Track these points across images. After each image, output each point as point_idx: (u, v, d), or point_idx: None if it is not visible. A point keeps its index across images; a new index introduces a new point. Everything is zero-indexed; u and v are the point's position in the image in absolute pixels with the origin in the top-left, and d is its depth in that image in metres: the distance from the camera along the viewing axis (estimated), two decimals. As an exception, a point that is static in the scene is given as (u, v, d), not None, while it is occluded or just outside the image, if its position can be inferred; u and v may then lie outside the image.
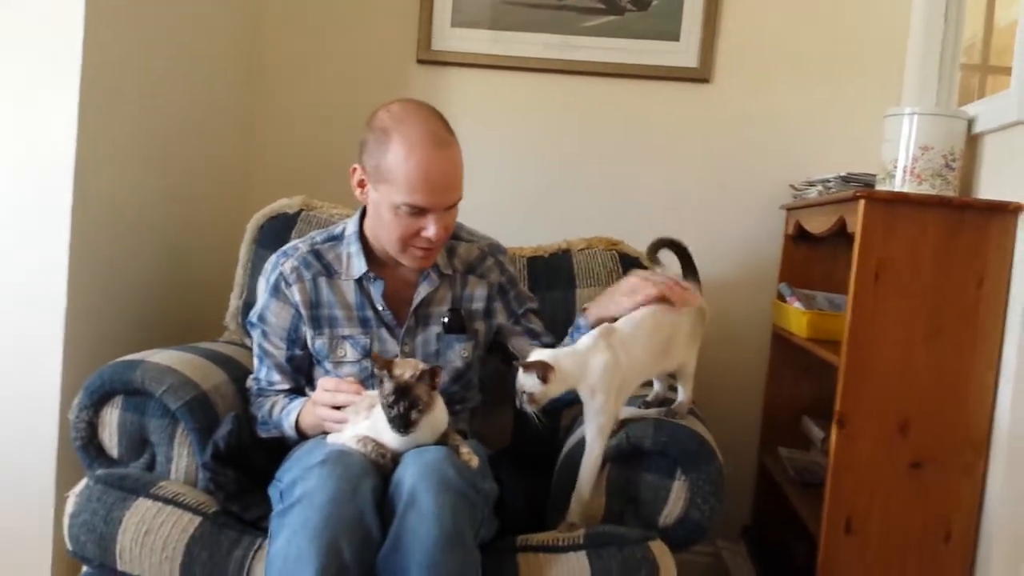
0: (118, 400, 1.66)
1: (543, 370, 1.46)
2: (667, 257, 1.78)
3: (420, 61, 2.56)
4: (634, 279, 1.65)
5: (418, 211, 1.58)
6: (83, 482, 1.58)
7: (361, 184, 1.66)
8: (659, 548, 1.50)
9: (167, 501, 1.53)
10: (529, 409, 1.48)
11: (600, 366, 1.50)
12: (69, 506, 1.55)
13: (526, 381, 1.47)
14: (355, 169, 1.66)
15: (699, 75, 2.48)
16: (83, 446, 1.67)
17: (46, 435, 1.88)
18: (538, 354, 1.50)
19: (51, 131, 1.85)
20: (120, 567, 1.50)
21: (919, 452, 1.75)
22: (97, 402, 1.66)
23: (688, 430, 1.61)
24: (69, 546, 1.55)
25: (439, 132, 1.59)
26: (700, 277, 1.78)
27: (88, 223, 1.91)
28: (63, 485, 1.84)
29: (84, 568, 1.58)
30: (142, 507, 1.51)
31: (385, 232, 1.65)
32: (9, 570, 1.92)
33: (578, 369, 1.50)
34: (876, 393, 1.74)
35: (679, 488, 1.57)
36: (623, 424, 1.60)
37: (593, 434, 1.53)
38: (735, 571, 2.31)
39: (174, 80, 2.24)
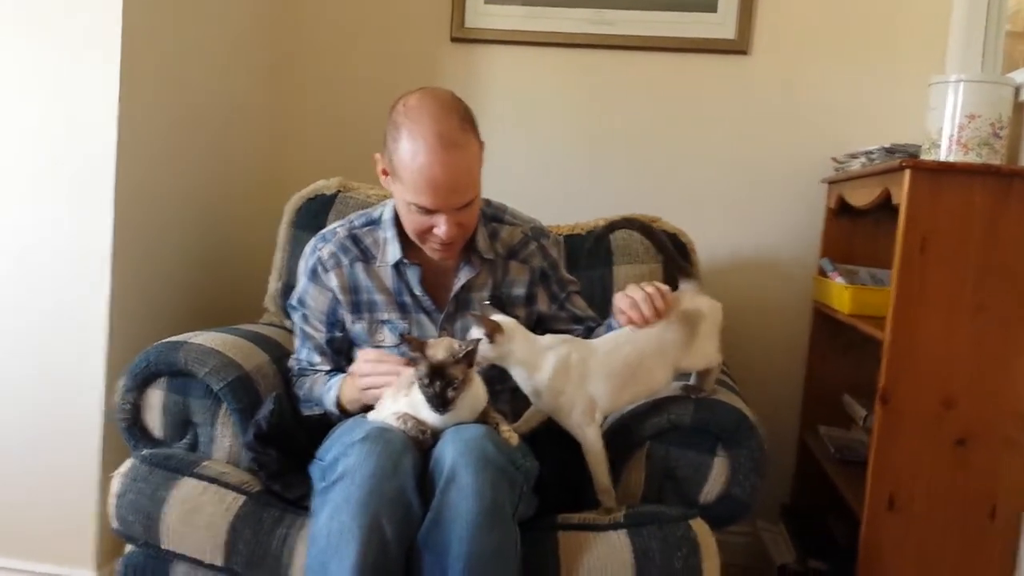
0: (162, 381, 1.68)
1: (492, 329, 1.48)
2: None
3: (454, 39, 2.55)
4: (623, 298, 1.60)
5: (427, 211, 1.57)
6: (128, 462, 1.61)
7: (384, 172, 1.65)
8: (700, 526, 1.50)
9: (211, 480, 1.55)
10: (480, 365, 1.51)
11: (549, 368, 1.51)
12: (115, 486, 1.58)
13: (474, 333, 1.49)
14: (376, 158, 1.66)
15: (737, 47, 2.44)
16: (128, 427, 1.69)
17: (91, 416, 1.93)
18: (501, 318, 1.52)
19: (92, 119, 1.89)
20: (165, 545, 1.52)
21: (964, 429, 1.72)
22: (141, 384, 1.68)
23: (728, 406, 1.59)
24: (115, 525, 1.58)
25: (449, 132, 1.54)
26: (694, 270, 1.77)
27: (130, 209, 1.94)
28: (107, 466, 1.88)
29: (128, 547, 1.62)
30: (187, 486, 1.54)
31: (405, 224, 1.65)
32: (55, 549, 1.98)
33: (528, 355, 1.51)
34: (921, 369, 1.72)
35: (720, 465, 1.57)
36: (664, 401, 1.60)
37: (575, 428, 1.53)
38: (774, 551, 2.29)
39: (209, 64, 2.26)
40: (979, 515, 1.74)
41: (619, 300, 1.59)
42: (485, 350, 1.49)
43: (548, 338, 1.57)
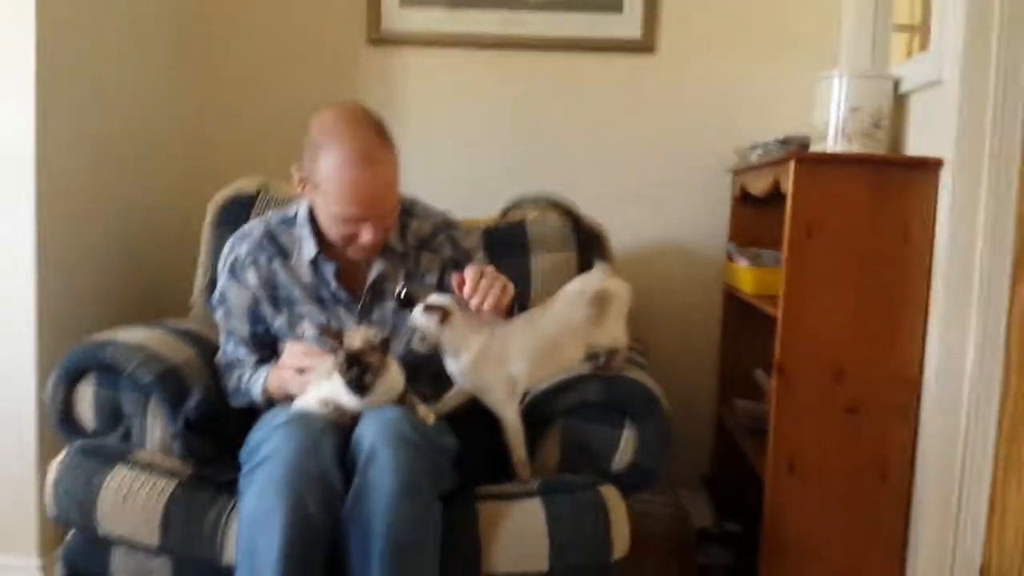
0: (91, 377, 1.74)
1: (444, 314, 1.58)
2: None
3: (371, 41, 2.61)
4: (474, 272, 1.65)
5: (352, 220, 1.65)
6: (63, 452, 1.66)
7: (302, 183, 1.71)
8: (609, 492, 1.61)
9: (143, 467, 1.62)
10: (419, 348, 1.65)
11: (476, 348, 1.61)
12: (51, 474, 1.64)
13: (423, 320, 1.59)
14: (295, 172, 1.72)
15: (643, 46, 2.55)
16: (60, 421, 1.75)
17: (26, 413, 1.98)
18: (441, 299, 1.61)
19: (9, 124, 1.92)
20: (102, 531, 1.59)
21: (854, 398, 1.86)
22: (71, 380, 1.74)
23: (634, 382, 1.71)
24: (52, 511, 1.63)
25: (368, 148, 1.62)
26: (606, 253, 1.90)
27: (52, 211, 1.98)
28: (45, 456, 1.92)
29: (69, 533, 1.67)
30: (120, 473, 1.60)
31: (327, 230, 1.72)
32: (1, 534, 2.02)
33: (463, 335, 1.61)
34: (811, 343, 1.85)
35: (628, 437, 1.68)
36: (575, 380, 1.71)
37: (495, 408, 1.64)
38: (696, 516, 2.43)
39: (124, 64, 2.30)
40: (872, 477, 1.87)
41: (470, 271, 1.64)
42: (435, 331, 1.59)
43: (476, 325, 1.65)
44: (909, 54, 2.31)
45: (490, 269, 1.64)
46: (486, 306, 1.59)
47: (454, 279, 1.62)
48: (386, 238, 1.75)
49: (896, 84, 1.96)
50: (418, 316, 1.59)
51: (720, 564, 2.29)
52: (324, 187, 1.64)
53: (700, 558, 2.34)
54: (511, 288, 1.66)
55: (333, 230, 1.69)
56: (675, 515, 2.61)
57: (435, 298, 1.61)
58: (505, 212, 2.01)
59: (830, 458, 1.88)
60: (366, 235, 1.66)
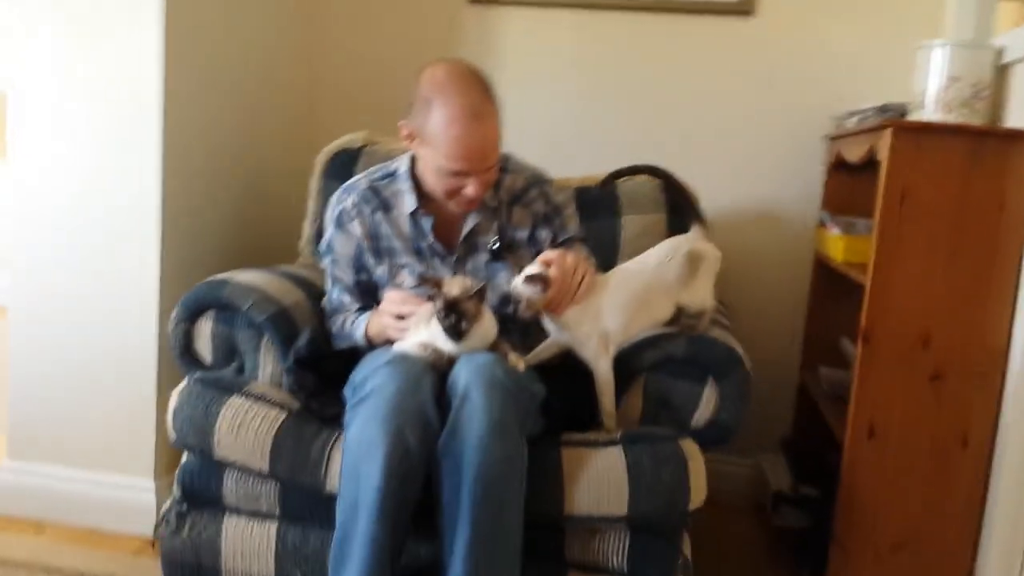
0: (210, 314, 1.88)
1: (544, 281, 1.65)
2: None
3: (472, 1, 2.68)
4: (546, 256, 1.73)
5: (458, 173, 1.74)
6: (184, 382, 1.81)
7: (410, 138, 1.81)
8: (688, 445, 1.68)
9: (257, 399, 1.75)
10: (525, 315, 1.72)
11: (574, 304, 1.69)
12: (172, 402, 1.78)
13: (527, 290, 1.66)
14: (402, 125, 1.80)
15: (743, 8, 2.55)
16: (181, 354, 1.90)
17: (147, 343, 2.16)
18: (536, 268, 1.68)
19: (140, 71, 2.07)
20: (217, 455, 1.73)
21: (939, 365, 1.87)
22: (192, 316, 1.88)
23: (718, 341, 1.76)
24: (173, 436, 1.78)
25: (477, 104, 1.71)
26: (703, 216, 1.92)
27: (177, 156, 2.14)
28: (163, 387, 2.12)
29: (184, 456, 1.82)
30: (236, 403, 1.73)
31: (431, 184, 1.81)
32: (120, 461, 2.22)
33: None
34: (899, 310, 1.86)
35: (709, 393, 1.74)
36: (660, 337, 1.77)
37: (591, 360, 1.71)
38: (773, 479, 2.47)
39: (251, 18, 2.45)
40: (952, 444, 1.89)
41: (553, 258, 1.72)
42: (540, 298, 1.67)
43: None
44: (1018, 24, 2.26)
45: (570, 259, 1.71)
46: (570, 302, 1.69)
47: (539, 260, 1.70)
48: (488, 189, 1.83)
49: (999, 54, 1.94)
50: (520, 286, 1.67)
51: (795, 527, 2.34)
52: (433, 142, 1.72)
53: (776, 520, 2.40)
54: (588, 267, 1.74)
55: (438, 184, 1.78)
56: (753, 477, 2.66)
57: (533, 268, 1.68)
58: (606, 181, 2.06)
59: (911, 425, 1.90)
60: (470, 189, 1.75)
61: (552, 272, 1.67)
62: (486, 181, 1.78)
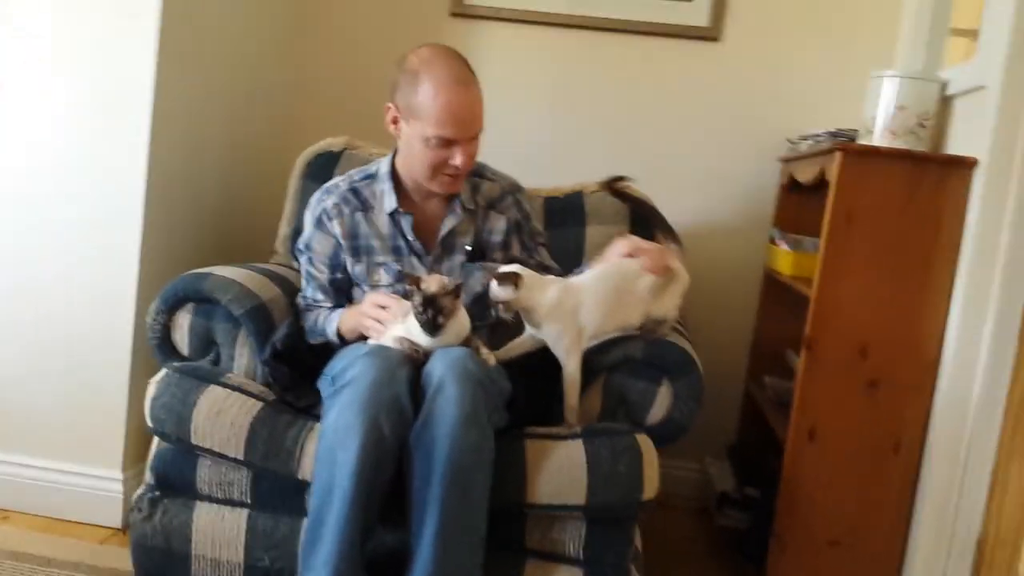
0: (189, 306, 1.93)
1: (514, 279, 1.74)
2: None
3: (453, 14, 2.78)
4: (624, 242, 1.89)
5: (446, 142, 1.83)
6: (162, 371, 1.86)
7: (395, 121, 1.90)
8: (643, 440, 1.78)
9: (234, 388, 1.81)
10: (506, 316, 1.82)
11: (552, 298, 1.78)
12: (151, 391, 1.83)
13: (500, 291, 1.75)
14: (389, 107, 1.90)
15: (709, 33, 2.67)
16: (159, 344, 1.95)
17: (123, 334, 2.20)
18: (507, 268, 1.78)
19: (132, 69, 2.13)
20: (195, 441, 1.78)
21: (875, 373, 2.01)
22: (171, 307, 1.93)
23: (675, 345, 1.87)
24: (150, 423, 1.82)
25: (462, 72, 1.83)
26: (678, 237, 2.03)
27: (162, 151, 2.19)
28: (135, 380, 2.17)
29: (155, 443, 1.86)
30: (213, 392, 1.79)
31: (417, 162, 1.89)
32: (88, 452, 2.25)
33: (537, 290, 1.77)
34: (840, 321, 2.00)
35: (664, 393, 1.84)
36: (622, 339, 1.87)
37: (562, 355, 1.80)
38: (718, 482, 2.60)
39: (241, 22, 2.52)
40: (886, 447, 2.02)
41: (625, 244, 1.87)
42: (513, 296, 1.75)
43: (545, 278, 1.83)
44: (967, 58, 2.41)
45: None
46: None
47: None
48: (469, 169, 1.91)
49: (943, 87, 2.09)
50: (495, 290, 1.76)
51: (738, 527, 2.46)
52: (422, 112, 1.81)
53: (720, 520, 2.52)
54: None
55: (425, 159, 1.86)
56: (699, 481, 2.78)
57: (502, 268, 1.78)
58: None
59: (848, 429, 2.02)
60: (457, 159, 1.84)
61: (628, 247, 1.85)
62: (471, 153, 1.87)
